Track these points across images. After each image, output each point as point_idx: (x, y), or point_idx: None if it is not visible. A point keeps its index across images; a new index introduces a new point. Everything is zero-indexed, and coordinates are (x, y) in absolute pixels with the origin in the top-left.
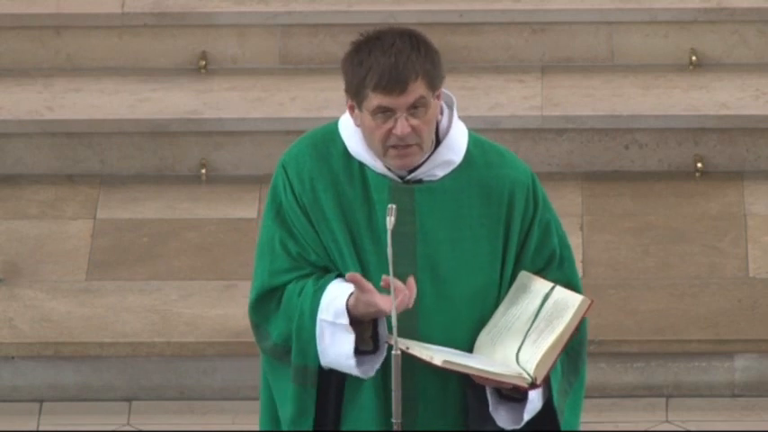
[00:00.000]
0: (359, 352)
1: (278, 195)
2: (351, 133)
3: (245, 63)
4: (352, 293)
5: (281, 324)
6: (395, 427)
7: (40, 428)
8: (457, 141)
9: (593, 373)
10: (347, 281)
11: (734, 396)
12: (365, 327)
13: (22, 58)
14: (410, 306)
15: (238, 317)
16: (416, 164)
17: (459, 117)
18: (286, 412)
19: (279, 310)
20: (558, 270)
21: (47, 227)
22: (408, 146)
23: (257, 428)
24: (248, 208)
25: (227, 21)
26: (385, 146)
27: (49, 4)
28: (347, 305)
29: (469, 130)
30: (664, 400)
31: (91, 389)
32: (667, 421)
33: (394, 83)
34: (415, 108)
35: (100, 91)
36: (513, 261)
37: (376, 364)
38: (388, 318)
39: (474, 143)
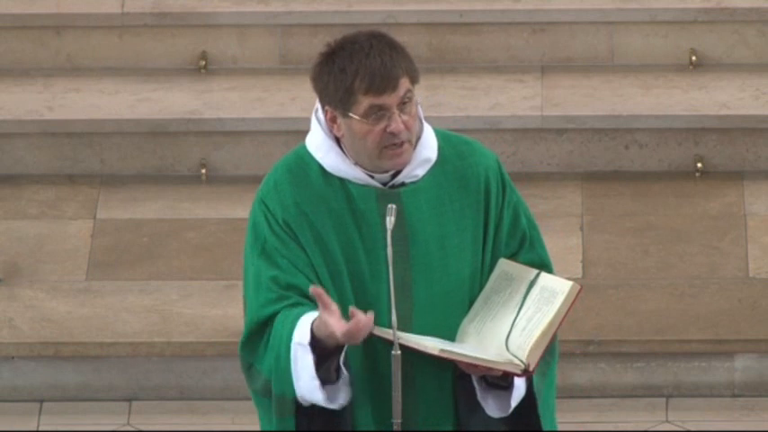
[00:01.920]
0: (324, 380)
1: (261, 232)
2: (325, 151)
3: (245, 63)
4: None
5: (269, 357)
6: (395, 427)
7: (40, 428)
8: (429, 139)
9: (593, 373)
10: (311, 293)
11: (734, 396)
12: (332, 358)
13: (22, 58)
14: (359, 340)
15: (238, 317)
16: (409, 161)
17: (460, 117)
18: None
19: (268, 344)
20: (531, 251)
21: (47, 227)
22: (402, 143)
23: (257, 428)
24: (248, 208)
25: (227, 21)
26: (380, 147)
27: (49, 4)
28: (312, 325)
29: (432, 126)
30: (664, 400)
31: (91, 389)
32: (667, 421)
33: (386, 82)
34: (403, 104)
35: (100, 91)
36: (491, 246)
37: (338, 394)
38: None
39: (441, 138)
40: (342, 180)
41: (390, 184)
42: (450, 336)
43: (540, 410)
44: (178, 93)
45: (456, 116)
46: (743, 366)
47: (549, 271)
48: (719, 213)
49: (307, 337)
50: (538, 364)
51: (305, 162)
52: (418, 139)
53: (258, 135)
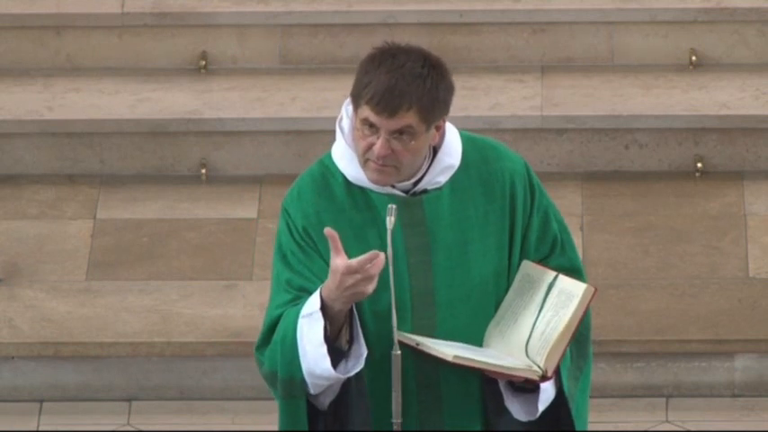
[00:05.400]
0: (335, 353)
1: (281, 239)
2: (348, 161)
3: (245, 63)
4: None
5: (275, 345)
6: (395, 428)
7: (40, 428)
8: (453, 145)
9: (593, 373)
10: (325, 234)
11: (734, 396)
12: (343, 331)
13: (22, 58)
14: (367, 287)
15: (238, 317)
16: (392, 183)
17: (460, 117)
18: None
19: (274, 337)
20: (561, 255)
21: (47, 227)
22: (385, 165)
23: (257, 428)
24: (248, 208)
25: (227, 21)
26: (364, 157)
27: (49, 4)
28: (320, 291)
29: (458, 129)
30: (664, 400)
31: (91, 389)
32: (667, 421)
33: (384, 105)
34: (399, 134)
35: (100, 91)
36: (519, 250)
37: (353, 365)
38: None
39: (466, 142)
40: (363, 189)
41: (412, 191)
42: (476, 340)
43: (574, 415)
44: (178, 93)
45: (456, 116)
46: (743, 366)
47: (581, 274)
48: (719, 213)
49: (317, 304)
50: (556, 369)
51: (330, 172)
52: (437, 148)
53: (258, 135)
